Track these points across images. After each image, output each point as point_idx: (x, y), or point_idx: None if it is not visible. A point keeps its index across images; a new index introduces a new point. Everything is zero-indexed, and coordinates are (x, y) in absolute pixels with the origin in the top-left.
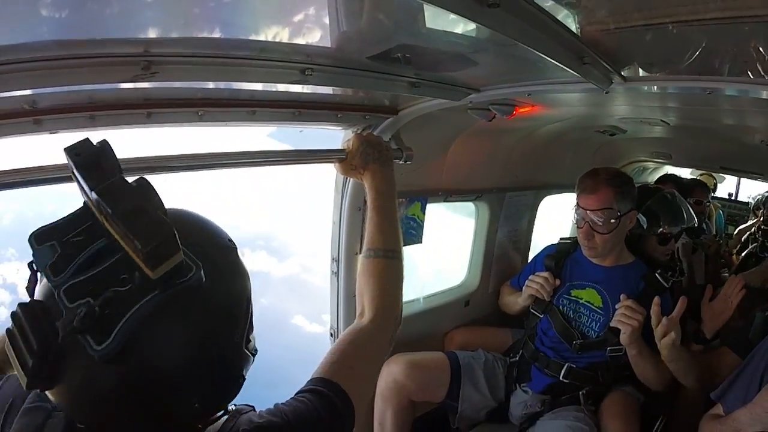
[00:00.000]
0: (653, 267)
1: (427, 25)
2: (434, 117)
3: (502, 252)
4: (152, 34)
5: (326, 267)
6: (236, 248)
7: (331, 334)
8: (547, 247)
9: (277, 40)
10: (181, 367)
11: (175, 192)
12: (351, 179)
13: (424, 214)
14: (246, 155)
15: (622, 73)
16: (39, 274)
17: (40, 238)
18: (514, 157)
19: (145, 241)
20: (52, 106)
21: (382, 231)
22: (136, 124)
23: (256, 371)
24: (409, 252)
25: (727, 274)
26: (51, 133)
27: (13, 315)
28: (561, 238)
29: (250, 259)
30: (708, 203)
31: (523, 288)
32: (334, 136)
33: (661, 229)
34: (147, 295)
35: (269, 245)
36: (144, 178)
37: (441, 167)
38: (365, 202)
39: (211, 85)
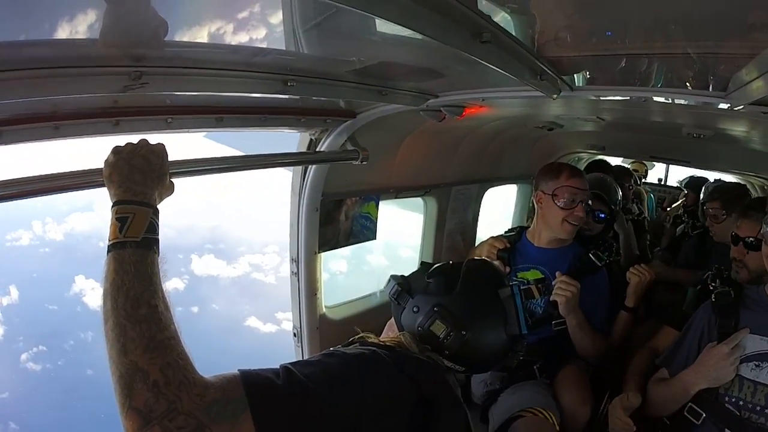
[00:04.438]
0: (588, 247)
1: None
2: (387, 119)
3: (450, 243)
4: (143, 46)
5: (275, 264)
6: None
7: (294, 334)
8: None
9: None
10: None
11: None
12: (308, 179)
13: (377, 211)
14: (213, 162)
15: (570, 85)
16: None
17: None
18: (460, 153)
19: None
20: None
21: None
22: (102, 134)
23: None
24: (363, 248)
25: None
26: None
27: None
28: (506, 231)
29: (198, 265)
30: (631, 187)
31: None
32: (277, 137)
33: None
34: None
35: (216, 248)
36: None
37: (392, 166)
38: (321, 203)
39: (177, 92)
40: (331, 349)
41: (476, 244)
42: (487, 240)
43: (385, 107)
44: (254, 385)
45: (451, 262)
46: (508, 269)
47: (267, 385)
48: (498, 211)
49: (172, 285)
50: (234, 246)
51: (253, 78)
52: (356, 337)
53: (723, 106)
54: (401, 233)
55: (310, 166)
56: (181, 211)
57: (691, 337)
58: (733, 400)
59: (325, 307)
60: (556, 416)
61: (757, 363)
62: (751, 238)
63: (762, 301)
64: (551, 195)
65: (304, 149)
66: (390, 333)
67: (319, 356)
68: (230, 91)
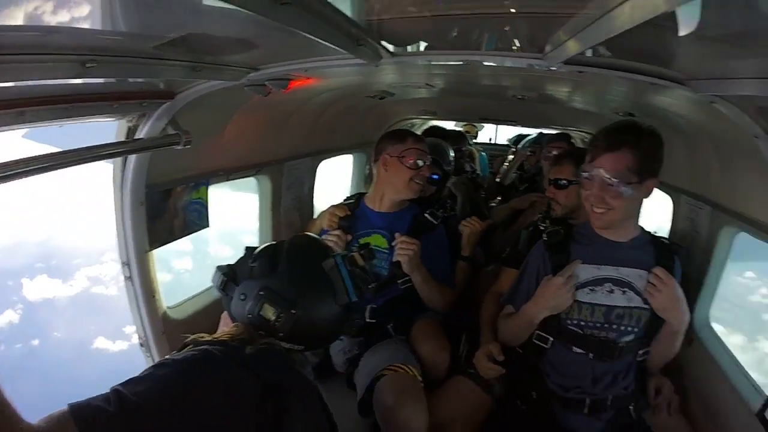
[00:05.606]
0: (423, 207)
1: (208, 12)
2: (211, 97)
3: (288, 220)
4: None
5: (115, 274)
6: None
7: (141, 344)
8: None
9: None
10: None
11: None
12: (129, 171)
13: (207, 196)
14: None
15: (391, 50)
16: None
17: None
18: (291, 127)
19: None
20: None
21: None
22: None
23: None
24: (205, 241)
25: (494, 204)
26: None
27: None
28: (346, 199)
29: (30, 289)
30: (465, 149)
31: None
32: (101, 126)
33: None
34: None
35: (49, 265)
36: None
37: (220, 147)
38: (146, 195)
39: None
40: (165, 357)
41: (313, 216)
42: (328, 209)
43: (206, 84)
44: (86, 420)
45: (274, 242)
46: (349, 237)
47: (98, 415)
48: (334, 181)
49: (5, 319)
50: (68, 259)
51: (47, 61)
52: (188, 340)
53: (540, 66)
54: (241, 218)
55: (129, 157)
56: (4, 229)
57: (528, 273)
58: (575, 322)
59: (167, 308)
60: (417, 368)
61: (591, 288)
62: (562, 180)
63: (590, 236)
64: (398, 157)
65: (122, 138)
66: (224, 327)
67: (150, 369)
68: (22, 78)
